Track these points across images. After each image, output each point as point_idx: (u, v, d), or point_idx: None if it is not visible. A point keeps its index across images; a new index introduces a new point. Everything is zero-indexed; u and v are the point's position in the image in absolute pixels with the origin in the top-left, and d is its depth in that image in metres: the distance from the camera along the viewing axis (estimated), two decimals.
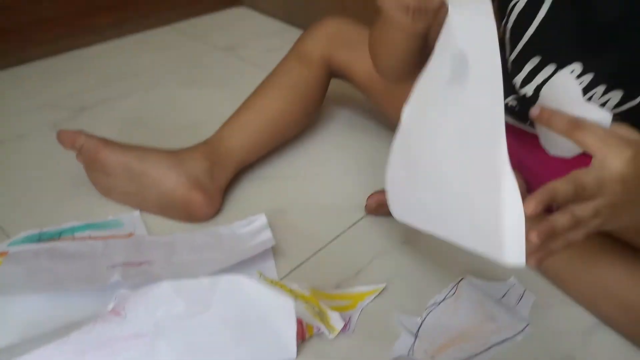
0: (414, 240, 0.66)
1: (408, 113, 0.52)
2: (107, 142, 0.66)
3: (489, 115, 0.44)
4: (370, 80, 0.74)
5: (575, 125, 0.43)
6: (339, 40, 0.76)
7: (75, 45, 1.05)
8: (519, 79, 0.60)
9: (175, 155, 0.67)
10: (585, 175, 0.41)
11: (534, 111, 0.46)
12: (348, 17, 0.79)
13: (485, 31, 0.44)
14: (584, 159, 0.49)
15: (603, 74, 0.55)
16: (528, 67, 0.59)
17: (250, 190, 0.73)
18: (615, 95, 0.55)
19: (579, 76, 0.56)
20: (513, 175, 0.42)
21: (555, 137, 0.45)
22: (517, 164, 0.66)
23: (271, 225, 0.65)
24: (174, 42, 1.13)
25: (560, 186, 0.40)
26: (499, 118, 0.43)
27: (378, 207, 0.70)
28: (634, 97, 0.54)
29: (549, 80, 0.57)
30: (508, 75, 0.62)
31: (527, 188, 0.66)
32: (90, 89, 0.93)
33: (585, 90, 0.56)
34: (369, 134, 0.86)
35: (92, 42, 1.07)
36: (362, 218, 0.70)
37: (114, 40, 1.10)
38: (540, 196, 0.39)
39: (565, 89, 0.53)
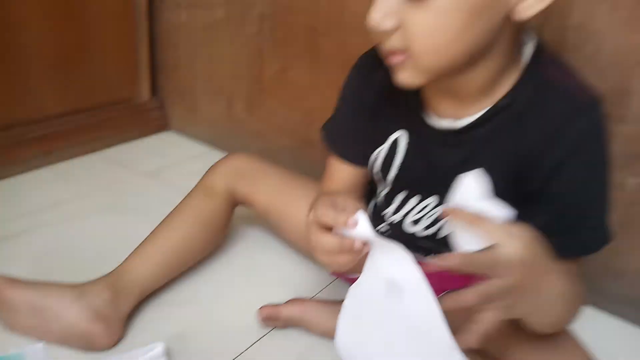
0: (311, 357, 0.71)
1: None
2: (11, 281, 0.70)
3: (428, 317, 0.53)
4: (268, 209, 0.84)
5: (480, 218, 0.51)
6: (242, 173, 0.85)
7: None
8: (390, 210, 0.72)
9: (78, 288, 0.72)
10: (487, 257, 0.49)
11: (445, 210, 0.54)
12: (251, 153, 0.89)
13: (404, 259, 0.54)
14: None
15: None
16: (398, 199, 0.71)
17: (153, 316, 0.77)
18: None
19: (435, 207, 0.66)
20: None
21: (462, 232, 0.53)
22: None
23: (172, 351, 0.69)
24: (99, 170, 1.20)
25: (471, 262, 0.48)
26: (438, 319, 0.52)
27: (267, 320, 0.76)
28: None
29: (460, 179, 0.67)
30: (377, 208, 0.73)
31: None
32: (10, 220, 0.97)
33: (438, 219, 0.67)
34: (274, 252, 0.93)
35: (17, 173, 1.12)
36: (263, 336, 0.75)
37: (39, 170, 1.16)
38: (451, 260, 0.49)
39: (471, 190, 0.62)
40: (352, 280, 0.86)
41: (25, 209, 1.02)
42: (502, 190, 0.60)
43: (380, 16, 0.52)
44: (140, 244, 0.79)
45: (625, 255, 0.83)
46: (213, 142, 1.34)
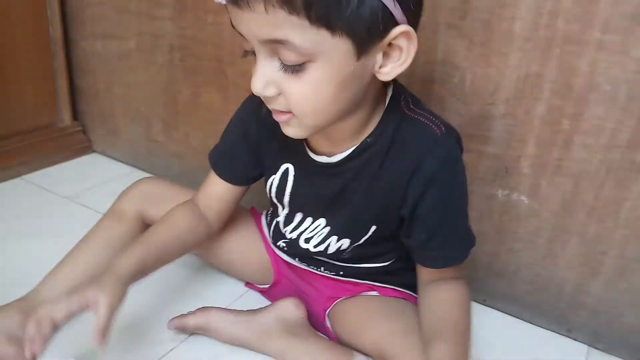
0: None
1: None
2: None
3: None
4: None
5: None
6: (151, 197, 0.90)
7: None
8: (289, 228, 0.81)
9: None
10: None
11: None
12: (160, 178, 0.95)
13: None
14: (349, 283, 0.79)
15: (335, 227, 0.76)
16: (296, 220, 0.79)
17: (68, 332, 0.82)
18: (345, 242, 0.75)
19: (323, 227, 0.76)
20: None
21: None
22: (297, 292, 0.86)
23: None
24: (22, 195, 1.23)
25: None
26: None
27: (177, 329, 0.83)
28: (358, 241, 0.75)
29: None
30: (278, 225, 0.81)
31: (307, 311, 0.84)
32: None
33: (325, 239, 0.76)
34: (188, 267, 1.00)
35: None
36: (173, 348, 0.82)
37: None
38: None
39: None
40: (263, 290, 0.94)
41: None
42: (378, 215, 0.71)
43: (261, 85, 0.57)
44: (53, 268, 0.84)
45: (502, 257, 0.95)
46: (135, 163, 1.39)
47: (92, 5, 1.27)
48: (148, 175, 1.34)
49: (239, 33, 0.57)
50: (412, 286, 0.80)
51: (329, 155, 0.71)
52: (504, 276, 0.95)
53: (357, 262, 0.80)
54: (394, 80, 0.68)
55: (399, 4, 0.54)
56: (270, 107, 0.62)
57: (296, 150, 0.74)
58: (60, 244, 0.87)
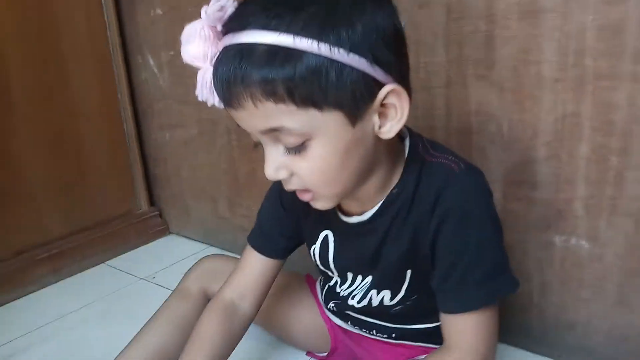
0: None
1: None
2: None
3: None
4: None
5: None
6: (214, 273, 0.93)
7: (12, 299, 1.23)
8: (344, 287, 0.81)
9: None
10: None
11: None
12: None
13: None
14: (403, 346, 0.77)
15: (375, 280, 0.76)
16: (349, 279, 0.80)
17: None
18: (386, 293, 0.75)
19: (370, 283, 0.77)
20: None
21: None
22: (353, 358, 0.85)
23: None
24: (103, 280, 1.33)
25: None
26: None
27: None
28: (399, 291, 0.74)
29: None
30: (331, 287, 0.83)
31: None
32: (19, 338, 1.10)
33: (366, 293, 0.77)
34: (252, 337, 1.02)
35: (30, 292, 1.26)
36: None
37: (50, 287, 1.30)
38: None
39: None
40: (323, 359, 0.94)
41: (34, 325, 1.14)
42: (409, 258, 0.71)
43: (273, 171, 0.60)
44: (123, 349, 0.89)
45: (571, 307, 0.89)
46: (206, 240, 1.47)
47: (158, 101, 1.40)
48: (218, 251, 1.41)
49: (243, 128, 0.60)
50: None
51: (360, 214, 0.72)
52: (576, 328, 0.89)
53: (408, 323, 0.79)
54: (410, 131, 0.70)
55: (378, 66, 0.55)
56: (288, 188, 0.63)
57: (330, 216, 0.75)
58: (134, 323, 0.91)
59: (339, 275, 0.81)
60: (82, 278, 1.35)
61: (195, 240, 1.50)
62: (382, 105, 0.58)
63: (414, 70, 0.91)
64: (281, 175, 0.60)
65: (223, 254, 1.00)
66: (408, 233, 0.69)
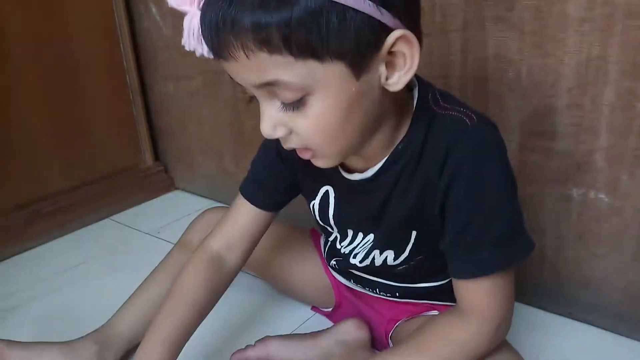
0: None
1: None
2: (8, 343, 0.79)
3: None
4: None
5: None
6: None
7: (18, 252, 1.22)
8: (344, 243, 0.77)
9: (68, 344, 0.80)
10: None
11: None
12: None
13: None
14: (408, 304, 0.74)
15: (377, 240, 0.72)
16: (349, 235, 0.76)
17: None
18: (390, 254, 0.71)
19: (370, 242, 0.73)
20: None
21: None
22: (360, 315, 0.83)
23: None
24: (108, 235, 1.31)
25: None
26: None
27: None
28: (403, 251, 0.70)
29: None
30: (332, 243, 0.79)
31: (370, 333, 0.80)
32: (22, 291, 1.08)
33: (368, 252, 0.73)
34: (254, 291, 1.00)
35: (33, 246, 1.25)
36: None
37: (54, 241, 1.28)
38: None
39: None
40: (327, 314, 0.92)
41: (38, 278, 1.13)
42: (414, 218, 0.66)
43: (269, 128, 0.55)
44: (125, 301, 0.87)
45: (587, 264, 0.86)
46: (212, 196, 1.44)
47: (161, 51, 1.36)
48: (225, 206, 1.38)
49: (237, 82, 0.56)
50: None
51: (363, 171, 0.67)
52: (591, 285, 0.86)
53: (412, 282, 0.75)
54: (419, 80, 0.64)
55: (386, 9, 0.50)
56: (287, 147, 0.59)
57: (332, 171, 0.70)
58: (138, 277, 0.90)
59: (338, 231, 0.77)
60: (86, 233, 1.33)
61: (201, 196, 1.47)
62: (390, 53, 0.53)
63: (427, 13, 0.87)
64: (279, 133, 0.56)
65: (226, 207, 0.97)
66: (415, 191, 0.64)
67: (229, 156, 1.34)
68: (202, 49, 0.54)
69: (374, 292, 0.79)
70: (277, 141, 0.73)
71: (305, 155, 0.59)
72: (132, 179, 1.45)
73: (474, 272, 0.61)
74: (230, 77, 0.55)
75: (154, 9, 1.32)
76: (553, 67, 0.78)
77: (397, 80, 0.54)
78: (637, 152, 0.75)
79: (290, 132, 0.56)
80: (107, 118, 1.39)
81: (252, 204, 0.77)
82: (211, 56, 0.54)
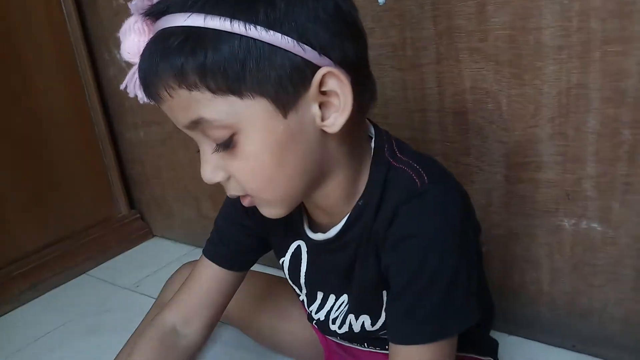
0: None
1: None
2: None
3: None
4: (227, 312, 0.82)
5: None
6: None
7: None
8: (313, 308, 0.72)
9: None
10: None
11: None
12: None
13: None
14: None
15: (351, 304, 0.67)
16: (318, 299, 0.71)
17: None
18: (366, 319, 0.65)
19: (345, 305, 0.68)
20: None
21: None
22: None
23: None
24: (85, 292, 1.25)
25: None
26: None
27: None
28: (379, 316, 0.64)
29: None
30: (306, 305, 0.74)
31: None
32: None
33: (344, 318, 0.68)
34: (242, 349, 0.95)
35: (7, 311, 1.18)
36: None
37: (28, 303, 1.21)
38: None
39: None
40: None
41: (16, 346, 1.07)
42: (381, 279, 0.60)
43: (209, 172, 0.53)
44: None
45: (584, 295, 0.82)
46: (192, 242, 1.39)
47: (129, 97, 1.30)
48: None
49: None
50: (472, 346, 0.70)
51: (328, 229, 0.62)
52: (591, 316, 0.82)
53: None
54: (376, 129, 0.61)
55: (309, 46, 0.48)
56: (229, 194, 0.56)
57: (299, 227, 0.66)
58: (118, 339, 0.85)
59: (307, 293, 0.71)
60: (62, 291, 1.27)
61: (180, 242, 1.42)
62: (323, 93, 0.50)
63: (398, 47, 0.85)
64: (218, 177, 0.54)
65: None
66: (374, 252, 0.59)
67: (206, 201, 1.30)
68: (142, 96, 0.54)
69: (362, 347, 0.74)
70: (236, 206, 0.70)
71: (245, 202, 0.56)
72: (107, 230, 1.40)
73: (403, 339, 0.55)
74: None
75: (118, 55, 1.28)
76: (533, 97, 0.75)
77: (334, 122, 0.51)
78: (627, 178, 0.72)
79: (229, 177, 0.54)
80: (78, 171, 1.34)
81: (215, 263, 0.72)
82: (145, 99, 0.54)
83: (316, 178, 0.56)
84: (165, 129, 1.28)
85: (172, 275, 0.90)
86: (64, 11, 1.25)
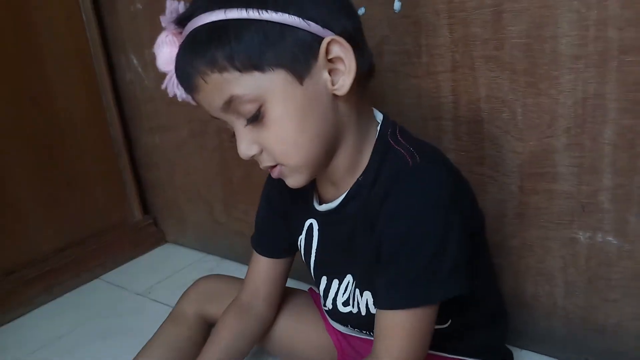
0: None
1: None
2: None
3: None
4: None
5: None
6: (210, 296, 0.88)
7: (4, 322, 1.16)
8: (320, 294, 0.77)
9: None
10: None
11: None
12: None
13: None
14: None
15: (356, 280, 0.70)
16: (322, 284, 0.75)
17: None
18: (369, 296, 0.68)
19: (353, 284, 0.71)
20: None
21: None
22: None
23: None
24: (99, 296, 1.26)
25: None
26: None
27: None
28: None
29: None
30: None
31: None
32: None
33: (350, 296, 0.71)
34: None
35: (23, 313, 1.19)
36: None
37: (43, 306, 1.22)
38: None
39: None
40: None
41: (30, 348, 1.07)
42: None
43: (245, 147, 0.60)
44: None
45: (599, 310, 0.81)
46: (204, 248, 1.39)
47: (145, 102, 1.33)
48: (215, 259, 1.35)
49: (216, 118, 0.61)
50: (485, 352, 0.69)
51: (331, 202, 0.69)
52: (606, 331, 0.81)
53: None
54: (385, 116, 0.68)
55: (312, 21, 0.56)
56: (263, 166, 0.63)
57: (311, 205, 0.73)
58: (130, 343, 0.86)
59: (313, 277, 0.77)
60: (76, 295, 1.27)
61: (192, 248, 1.42)
62: (330, 61, 0.58)
63: (413, 54, 0.84)
64: (253, 150, 0.60)
65: (218, 275, 0.94)
66: (370, 226, 0.64)
67: (219, 206, 1.30)
68: (181, 93, 0.62)
69: (371, 336, 0.74)
70: (267, 191, 0.82)
71: (274, 173, 0.63)
72: (121, 235, 1.40)
73: (388, 304, 0.60)
74: (212, 117, 0.61)
75: (135, 61, 1.29)
76: (548, 106, 0.74)
77: (343, 83, 0.59)
78: None
79: (262, 150, 0.61)
80: (94, 175, 1.34)
81: (261, 254, 0.81)
82: (189, 98, 0.62)
83: (331, 144, 0.63)
84: (180, 134, 1.28)
85: (189, 288, 0.90)
86: (84, 17, 1.27)
